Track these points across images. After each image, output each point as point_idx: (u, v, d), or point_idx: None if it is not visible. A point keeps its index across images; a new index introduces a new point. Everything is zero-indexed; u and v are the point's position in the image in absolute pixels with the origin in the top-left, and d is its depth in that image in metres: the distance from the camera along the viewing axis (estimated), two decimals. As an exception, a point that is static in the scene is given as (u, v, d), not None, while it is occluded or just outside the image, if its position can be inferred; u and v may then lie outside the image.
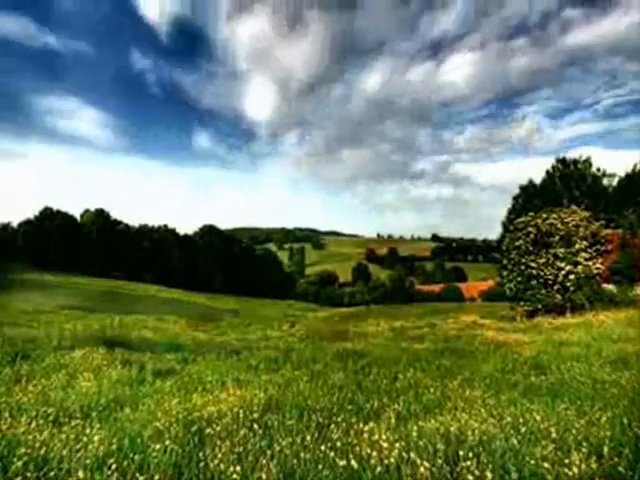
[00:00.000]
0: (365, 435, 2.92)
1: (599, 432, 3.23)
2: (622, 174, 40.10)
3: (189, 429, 3.18)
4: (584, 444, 2.91)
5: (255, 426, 3.32)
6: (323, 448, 2.74)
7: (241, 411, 3.70)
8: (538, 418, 3.43)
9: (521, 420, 3.52)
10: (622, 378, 5.61)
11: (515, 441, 2.89)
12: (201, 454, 2.75)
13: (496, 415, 3.80)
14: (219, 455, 2.70)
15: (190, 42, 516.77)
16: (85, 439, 2.88)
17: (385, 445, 2.64)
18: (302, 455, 2.70)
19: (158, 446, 2.72)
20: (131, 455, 2.62)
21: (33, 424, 3.25)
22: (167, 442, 2.79)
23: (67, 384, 5.37)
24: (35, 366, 6.77)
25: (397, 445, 2.66)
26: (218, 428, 3.20)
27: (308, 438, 2.94)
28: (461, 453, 2.56)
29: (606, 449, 2.78)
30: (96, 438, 2.86)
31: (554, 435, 3.05)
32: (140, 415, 3.70)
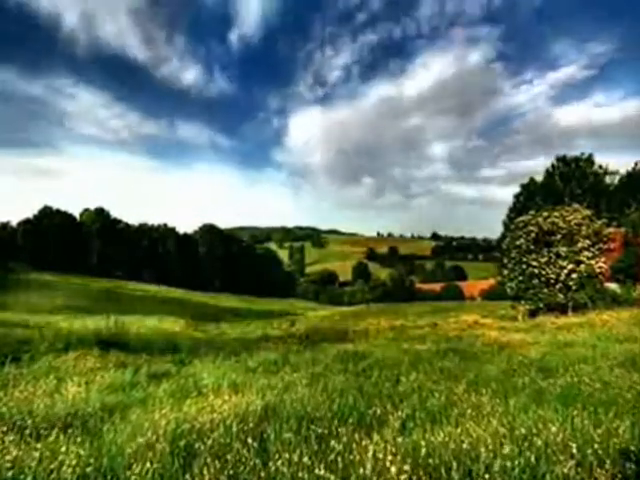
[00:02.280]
0: (369, 454, 2.66)
1: (620, 444, 3.01)
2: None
3: (177, 444, 2.92)
4: (607, 460, 2.67)
5: (249, 439, 3.06)
6: (323, 471, 2.47)
7: (236, 421, 3.46)
8: (553, 429, 3.18)
9: (534, 430, 3.29)
10: (634, 381, 5.37)
11: (532, 458, 2.64)
12: (188, 476, 2.50)
13: (506, 425, 3.56)
14: (207, 478, 2.44)
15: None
16: (61, 457, 2.63)
17: (393, 470, 2.37)
18: (300, 475, 2.46)
19: (139, 468, 2.46)
20: (109, 478, 2.38)
21: (7, 438, 3.00)
22: (149, 463, 2.51)
23: (55, 389, 5.13)
24: (25, 369, 6.55)
25: (406, 467, 2.41)
26: (209, 442, 2.95)
27: (306, 459, 2.65)
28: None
29: (632, 466, 2.55)
30: (73, 456, 2.61)
31: (573, 450, 2.81)
32: (126, 426, 3.45)
